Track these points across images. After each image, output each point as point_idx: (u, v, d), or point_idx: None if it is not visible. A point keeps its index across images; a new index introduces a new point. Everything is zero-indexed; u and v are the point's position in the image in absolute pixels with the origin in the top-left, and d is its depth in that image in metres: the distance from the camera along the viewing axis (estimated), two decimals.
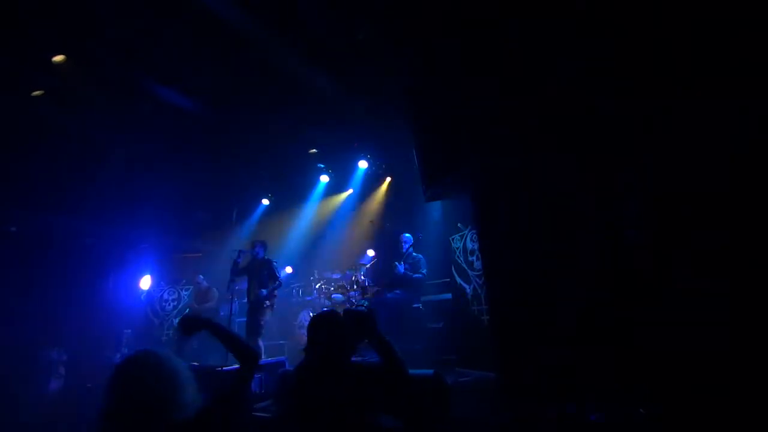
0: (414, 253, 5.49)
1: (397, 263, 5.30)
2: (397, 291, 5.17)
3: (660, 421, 1.90)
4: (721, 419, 1.81)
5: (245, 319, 5.71)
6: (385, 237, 7.09)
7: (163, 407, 1.42)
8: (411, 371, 2.05)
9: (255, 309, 5.47)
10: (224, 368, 4.14)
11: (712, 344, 1.92)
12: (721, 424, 1.81)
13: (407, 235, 5.70)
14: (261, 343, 5.33)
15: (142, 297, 8.27)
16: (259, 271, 5.63)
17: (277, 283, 5.62)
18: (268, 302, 5.51)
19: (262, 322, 5.41)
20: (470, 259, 4.62)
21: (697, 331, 1.97)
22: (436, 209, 6.47)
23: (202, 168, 7.59)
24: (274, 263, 5.72)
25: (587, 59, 2.45)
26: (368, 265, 7.30)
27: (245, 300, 5.92)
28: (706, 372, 1.90)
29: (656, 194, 2.28)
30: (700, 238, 2.09)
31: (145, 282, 8.29)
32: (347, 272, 7.28)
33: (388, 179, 8.30)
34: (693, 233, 2.12)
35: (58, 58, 5.09)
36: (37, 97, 5.46)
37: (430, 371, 3.09)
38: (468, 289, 4.59)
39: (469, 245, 4.66)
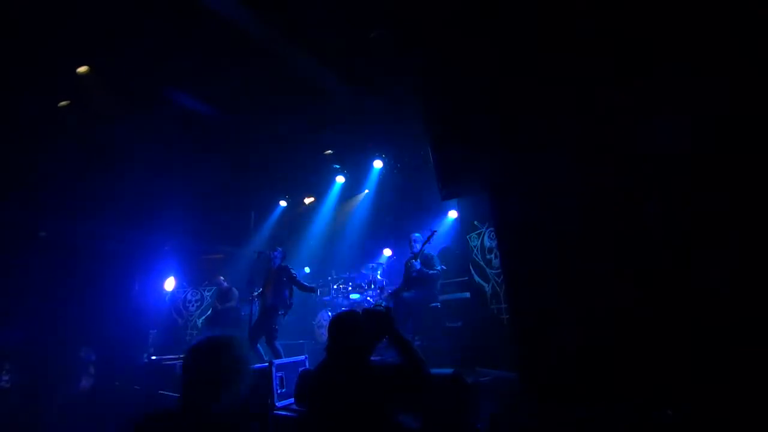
0: (426, 251, 5.47)
1: (413, 261, 5.29)
2: (415, 290, 5.15)
3: (688, 422, 1.85)
4: (750, 418, 1.74)
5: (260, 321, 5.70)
6: (401, 236, 7.08)
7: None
8: (431, 370, 2.04)
9: (268, 314, 5.49)
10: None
11: (741, 342, 1.86)
12: (751, 423, 1.74)
13: (417, 234, 5.68)
14: (278, 345, 5.40)
15: (167, 298, 8.51)
16: (275, 278, 5.67)
17: (314, 287, 5.92)
18: (282, 310, 5.55)
19: (275, 326, 5.44)
20: (488, 257, 4.57)
21: (724, 329, 1.91)
22: (452, 208, 6.44)
23: (221, 171, 7.75)
24: (293, 270, 5.77)
25: (602, 55, 2.40)
26: (385, 265, 7.33)
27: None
28: (734, 370, 1.84)
29: (678, 188, 2.21)
30: (726, 232, 2.02)
31: (169, 283, 8.53)
32: (364, 272, 7.32)
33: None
34: (717, 228, 2.05)
35: (83, 69, 5.28)
36: (63, 107, 5.67)
37: (450, 370, 3.08)
38: (487, 287, 4.55)
39: (487, 243, 4.62)
